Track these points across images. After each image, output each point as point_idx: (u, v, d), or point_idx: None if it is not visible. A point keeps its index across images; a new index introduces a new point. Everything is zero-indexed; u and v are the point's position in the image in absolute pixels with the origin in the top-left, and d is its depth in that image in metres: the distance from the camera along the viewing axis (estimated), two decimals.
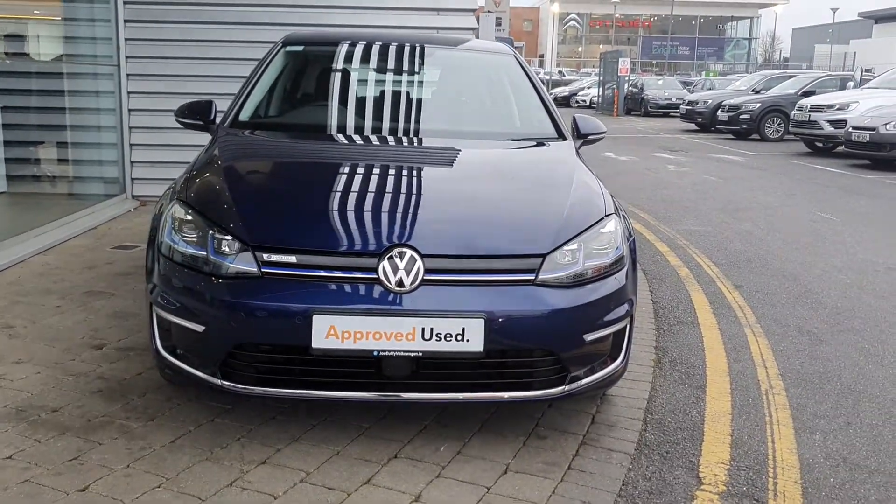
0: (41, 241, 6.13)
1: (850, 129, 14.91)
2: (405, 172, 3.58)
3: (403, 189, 3.38)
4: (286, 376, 2.93)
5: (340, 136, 4.15)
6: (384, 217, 3.09)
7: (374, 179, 3.49)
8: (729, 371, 4.22)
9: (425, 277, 2.87)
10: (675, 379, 4.06)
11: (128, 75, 7.86)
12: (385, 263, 2.86)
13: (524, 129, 4.35)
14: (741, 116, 20.46)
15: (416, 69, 4.72)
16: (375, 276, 2.86)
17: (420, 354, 2.84)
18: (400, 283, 2.84)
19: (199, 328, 2.93)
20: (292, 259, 2.89)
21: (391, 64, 4.71)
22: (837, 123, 16.25)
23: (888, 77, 17.77)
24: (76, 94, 7.82)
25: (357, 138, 4.14)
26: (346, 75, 4.61)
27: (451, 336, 2.83)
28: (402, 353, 2.83)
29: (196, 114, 4.17)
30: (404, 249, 2.89)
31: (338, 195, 3.30)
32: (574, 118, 4.41)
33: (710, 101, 22.96)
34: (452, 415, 3.38)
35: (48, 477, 2.80)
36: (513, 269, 2.95)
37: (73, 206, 7.20)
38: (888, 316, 5.31)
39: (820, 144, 17.51)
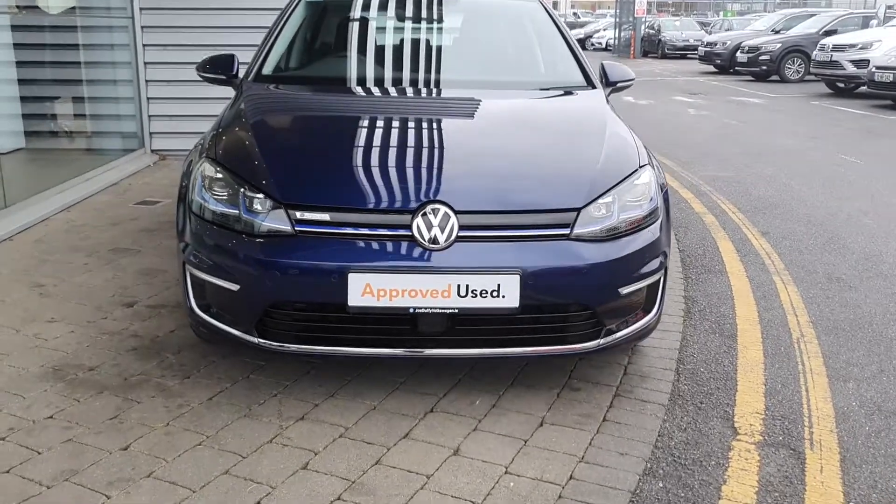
0: (64, 198, 6.14)
1: (874, 69, 14.61)
2: (434, 126, 3.55)
3: (434, 143, 3.35)
4: (323, 334, 2.93)
5: (366, 89, 4.10)
6: (416, 173, 3.07)
7: (403, 134, 3.46)
8: (759, 320, 4.20)
9: (459, 234, 2.85)
10: (705, 328, 4.05)
11: (142, 27, 7.77)
12: (419, 220, 2.84)
13: (552, 78, 4.28)
14: (761, 58, 20.10)
15: (441, 17, 4.64)
16: (410, 234, 2.84)
17: (456, 311, 2.84)
18: (434, 240, 2.82)
19: (234, 287, 2.93)
20: (326, 217, 2.87)
21: (414, 12, 4.63)
22: (860, 63, 15.91)
23: None
24: (90, 47, 7.75)
25: (383, 91, 4.09)
26: (369, 25, 4.54)
27: (487, 292, 2.82)
28: (437, 310, 2.83)
29: (218, 68, 4.11)
30: (438, 206, 2.86)
31: (369, 151, 3.27)
32: (602, 65, 4.33)
33: (728, 43, 22.55)
34: (485, 369, 3.38)
35: (90, 436, 2.83)
36: (547, 224, 2.92)
37: (92, 162, 7.19)
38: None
39: (842, 85, 17.20)
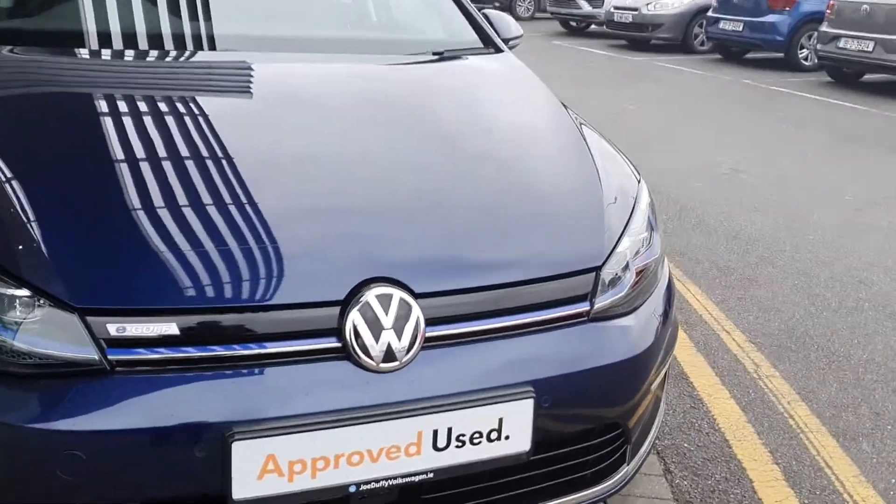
0: None
1: (613, 9, 14.73)
2: (340, 132, 2.08)
3: (354, 168, 1.92)
4: None
5: (183, 54, 2.42)
6: (335, 229, 1.68)
7: (295, 150, 1.95)
8: (691, 340, 3.35)
9: (428, 334, 1.56)
10: None
11: None
12: (355, 318, 1.51)
13: (436, 35, 2.94)
14: None
15: None
16: (340, 345, 1.51)
17: (430, 476, 1.57)
18: (388, 354, 1.52)
19: None
20: (171, 328, 1.44)
21: None
22: (595, 3, 16.07)
23: None
24: None
25: (215, 57, 2.42)
26: None
27: (482, 435, 1.59)
28: (398, 481, 1.55)
29: None
30: (387, 289, 1.55)
31: (241, 187, 1.75)
32: (486, 16, 3.10)
33: None
34: None
35: None
36: (557, 301, 1.72)
37: None
38: (781, 235, 4.75)
39: (574, 24, 17.38)
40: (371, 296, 1.52)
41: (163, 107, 2.06)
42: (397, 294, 1.54)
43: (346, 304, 1.52)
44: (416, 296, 1.56)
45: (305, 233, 1.66)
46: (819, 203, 5.45)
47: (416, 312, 1.54)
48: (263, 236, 1.61)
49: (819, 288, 3.98)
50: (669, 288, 2.06)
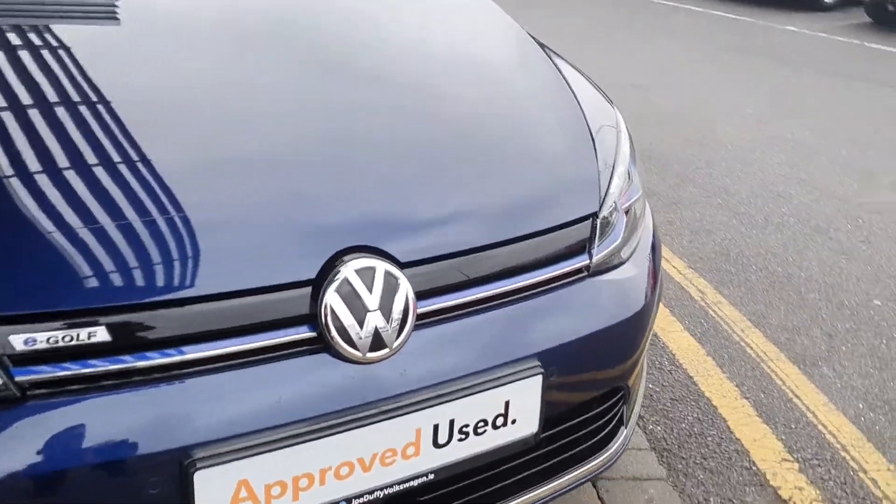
0: None
1: None
2: (248, 65, 1.64)
3: (274, 110, 1.51)
4: None
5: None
6: (279, 188, 1.32)
7: (192, 89, 1.52)
8: None
9: (420, 310, 1.28)
10: None
11: None
12: (331, 299, 1.21)
13: None
14: None
15: None
16: (315, 335, 1.21)
17: (430, 477, 1.32)
18: (376, 341, 1.23)
19: None
20: (99, 335, 1.10)
21: None
22: None
23: None
24: None
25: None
26: None
27: (487, 423, 1.34)
28: (395, 490, 1.29)
29: None
30: (367, 260, 1.24)
31: (139, 146, 1.33)
32: None
33: None
34: None
35: None
36: (554, 257, 1.47)
37: None
38: (693, 152, 4.68)
39: None
40: (349, 270, 1.22)
41: (14, 39, 1.61)
42: (381, 265, 1.24)
43: (319, 283, 1.21)
44: (402, 265, 1.27)
45: (244, 196, 1.30)
46: (722, 117, 5.41)
47: (405, 286, 1.25)
48: (195, 204, 1.25)
49: (742, 205, 3.91)
50: (654, 226, 1.85)
